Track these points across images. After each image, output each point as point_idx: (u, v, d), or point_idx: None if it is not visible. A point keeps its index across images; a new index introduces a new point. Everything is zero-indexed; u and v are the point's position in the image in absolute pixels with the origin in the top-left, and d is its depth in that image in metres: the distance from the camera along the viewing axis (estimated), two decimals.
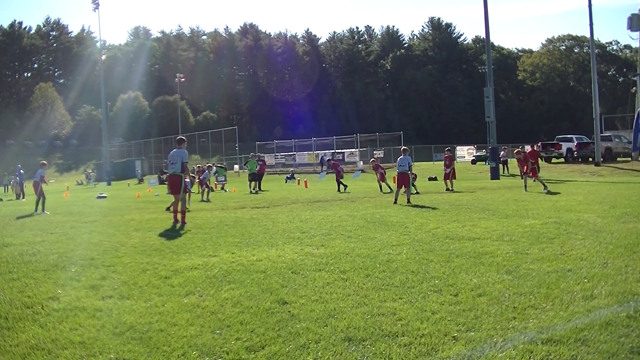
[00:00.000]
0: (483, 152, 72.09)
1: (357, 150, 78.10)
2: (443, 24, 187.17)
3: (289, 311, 7.52)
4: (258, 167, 41.94)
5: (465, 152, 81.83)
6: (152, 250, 12.76)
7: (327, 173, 62.23)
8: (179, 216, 18.56)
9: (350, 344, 6.22)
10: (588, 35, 59.95)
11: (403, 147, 26.58)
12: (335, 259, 10.97)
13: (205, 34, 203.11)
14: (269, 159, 75.30)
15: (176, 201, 19.10)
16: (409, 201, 23.65)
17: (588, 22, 57.02)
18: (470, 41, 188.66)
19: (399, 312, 7.34)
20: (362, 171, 60.17)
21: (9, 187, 52.16)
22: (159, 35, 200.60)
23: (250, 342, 6.36)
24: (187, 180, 21.37)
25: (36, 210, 25.28)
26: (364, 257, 11.02)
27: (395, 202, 23.58)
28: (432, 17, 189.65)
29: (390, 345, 6.15)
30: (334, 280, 9.18)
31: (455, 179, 33.13)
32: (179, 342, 6.45)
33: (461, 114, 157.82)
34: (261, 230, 15.72)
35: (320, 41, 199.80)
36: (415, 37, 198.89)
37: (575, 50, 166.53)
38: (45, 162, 27.84)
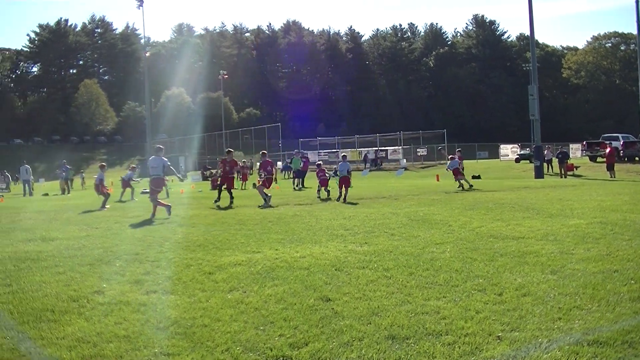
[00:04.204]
0: (527, 151, 71.32)
1: (400, 148, 77.77)
2: (487, 21, 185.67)
3: (333, 308, 7.51)
4: (302, 164, 41.82)
5: (509, 151, 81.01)
6: (195, 245, 12.84)
7: (370, 170, 62.15)
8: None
9: (394, 342, 6.19)
10: (635, 32, 59.42)
11: (342, 154, 29.05)
12: (378, 256, 10.94)
13: (248, 31, 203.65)
14: (312, 156, 75.17)
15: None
16: (345, 200, 25.39)
17: (635, 18, 56.52)
18: (514, 39, 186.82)
19: (443, 311, 7.30)
20: (406, 169, 59.98)
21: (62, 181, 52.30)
22: (202, 32, 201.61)
23: (294, 339, 6.36)
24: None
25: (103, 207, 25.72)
26: (407, 255, 10.97)
27: (338, 200, 25.70)
28: (476, 15, 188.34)
29: (434, 344, 6.12)
30: (378, 278, 9.15)
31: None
32: (223, 337, 6.47)
33: (505, 112, 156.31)
34: (304, 227, 15.75)
35: (363, 38, 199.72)
36: (458, 34, 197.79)
37: (622, 48, 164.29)
38: (104, 164, 28.26)
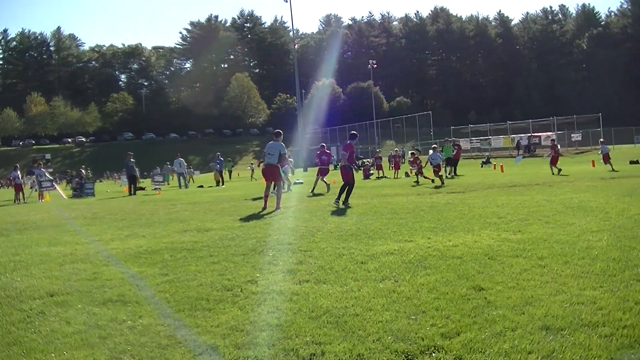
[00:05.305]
0: None
1: (553, 133, 76.13)
2: None
3: (485, 298, 7.37)
4: (454, 151, 41.32)
5: None
6: (348, 235, 12.91)
7: (523, 157, 61.15)
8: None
9: (548, 333, 6.00)
10: None
11: (433, 145, 33.62)
12: (532, 245, 10.69)
13: (396, 20, 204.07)
14: (464, 144, 74.51)
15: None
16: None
17: None
18: None
19: (599, 301, 7.03)
20: (560, 155, 58.63)
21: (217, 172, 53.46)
22: (350, 22, 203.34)
23: (446, 329, 6.26)
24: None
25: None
26: (562, 244, 10.68)
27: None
28: None
29: (590, 335, 5.89)
30: (531, 267, 8.93)
31: (555, 164, 35.22)
32: (374, 327, 6.43)
33: None
34: (457, 216, 15.60)
35: (512, 22, 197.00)
36: (612, 14, 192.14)
37: None
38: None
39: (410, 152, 40.31)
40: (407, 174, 44.61)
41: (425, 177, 32.99)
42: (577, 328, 6.08)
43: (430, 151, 34.04)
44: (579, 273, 8.38)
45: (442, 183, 29.21)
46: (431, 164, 31.58)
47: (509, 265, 9.11)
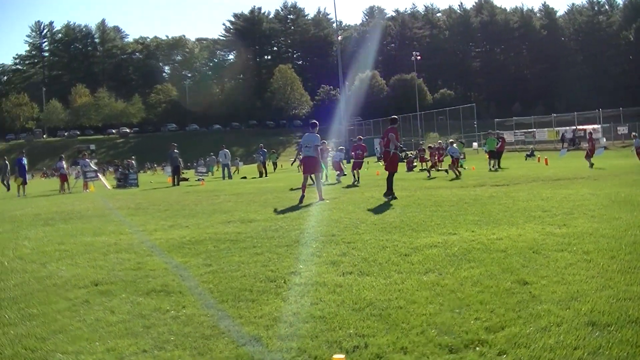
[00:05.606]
0: None
1: (599, 126, 75.24)
2: None
3: (530, 292, 7.29)
4: (499, 144, 40.95)
5: None
6: (391, 227, 12.87)
7: (567, 150, 60.58)
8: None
9: (594, 329, 5.90)
10: None
11: (450, 140, 32.12)
12: (577, 239, 10.55)
13: (439, 11, 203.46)
14: (508, 136, 73.95)
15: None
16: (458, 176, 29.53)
17: None
18: None
19: None
20: (605, 148, 58.01)
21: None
22: (394, 14, 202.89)
23: (490, 323, 6.20)
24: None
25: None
26: (608, 238, 10.52)
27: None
28: None
29: (637, 332, 5.77)
30: (577, 262, 8.81)
31: (592, 156, 35.72)
32: (418, 319, 6.39)
33: None
34: (501, 209, 15.48)
35: (558, 14, 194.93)
36: None
37: None
38: (342, 147, 29.70)
39: (428, 145, 40.34)
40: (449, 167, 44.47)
41: (439, 170, 33.21)
42: (624, 324, 5.98)
43: (446, 144, 34.54)
44: (626, 268, 8.25)
45: (457, 176, 29.74)
46: (451, 157, 31.81)
47: (554, 259, 9.01)
